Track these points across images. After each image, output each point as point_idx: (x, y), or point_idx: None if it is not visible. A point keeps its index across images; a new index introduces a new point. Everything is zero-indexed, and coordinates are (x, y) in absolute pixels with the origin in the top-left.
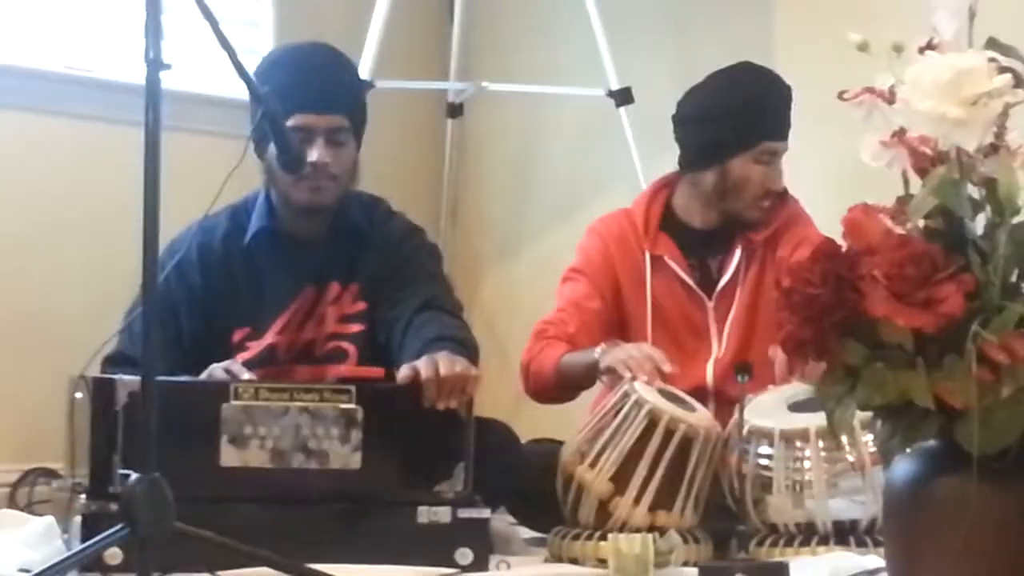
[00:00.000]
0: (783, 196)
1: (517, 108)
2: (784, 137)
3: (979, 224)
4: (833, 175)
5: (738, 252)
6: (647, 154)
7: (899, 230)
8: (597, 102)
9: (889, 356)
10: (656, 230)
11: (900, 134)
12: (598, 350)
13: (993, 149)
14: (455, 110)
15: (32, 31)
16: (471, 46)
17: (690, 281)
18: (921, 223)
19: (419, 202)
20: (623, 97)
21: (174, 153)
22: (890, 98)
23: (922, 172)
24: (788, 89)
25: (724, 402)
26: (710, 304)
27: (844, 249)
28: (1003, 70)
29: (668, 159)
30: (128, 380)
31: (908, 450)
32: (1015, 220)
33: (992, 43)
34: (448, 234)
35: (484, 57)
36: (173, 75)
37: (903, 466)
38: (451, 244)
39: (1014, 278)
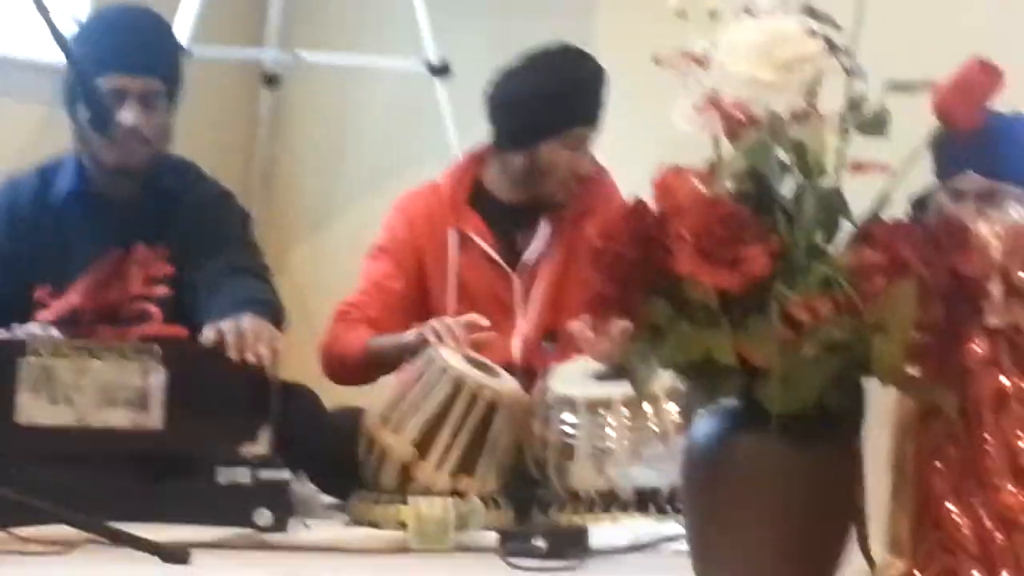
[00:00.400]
0: (598, 173)
1: (335, 77)
2: (594, 121)
3: (787, 188)
4: (652, 153)
5: (544, 227)
6: (463, 128)
7: (709, 193)
8: (415, 75)
9: (694, 315)
10: (464, 205)
11: (713, 98)
12: (410, 335)
13: (804, 114)
14: (271, 80)
15: None
16: (289, 15)
17: (496, 256)
18: (731, 187)
19: (231, 170)
20: (441, 70)
21: None
22: (705, 62)
23: (734, 136)
24: (601, 72)
25: (531, 377)
26: (515, 278)
27: (655, 210)
28: (816, 36)
29: (484, 133)
30: None
31: (709, 409)
32: (822, 184)
33: (807, 9)
34: (260, 203)
35: (303, 25)
36: None
37: (704, 424)
38: (262, 214)
39: (819, 241)
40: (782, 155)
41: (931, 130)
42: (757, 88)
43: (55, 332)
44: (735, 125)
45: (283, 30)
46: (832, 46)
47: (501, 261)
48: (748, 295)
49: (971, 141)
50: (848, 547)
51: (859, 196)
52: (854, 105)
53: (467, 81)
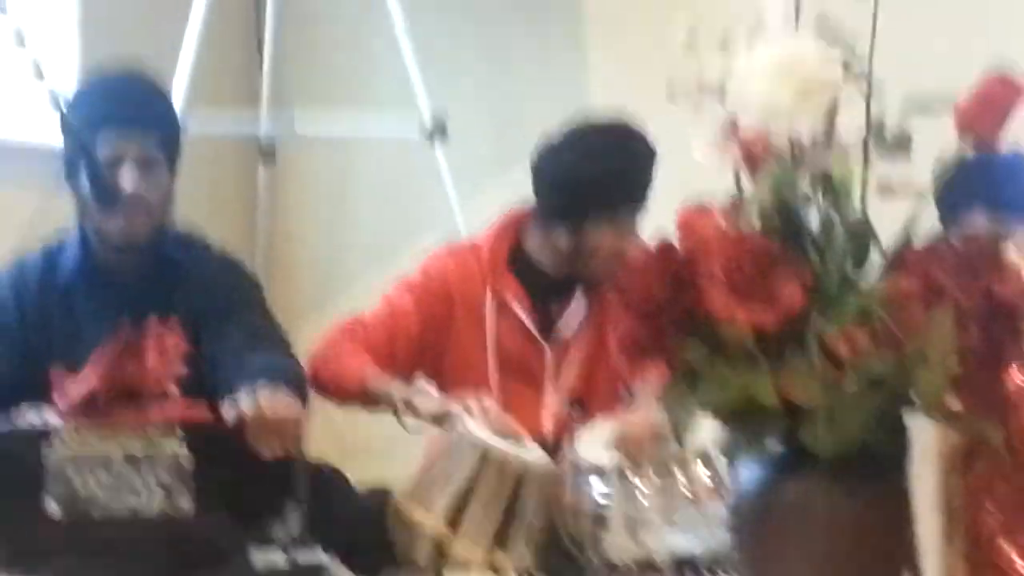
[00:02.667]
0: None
1: (330, 149)
2: (643, 202)
3: (812, 220)
4: (656, 208)
5: (580, 300)
6: (464, 194)
7: (734, 228)
8: (413, 143)
9: (731, 356)
10: (504, 269)
11: (732, 128)
12: (405, 391)
13: (826, 140)
14: (268, 154)
15: None
16: (282, 88)
17: (531, 326)
18: (757, 221)
19: (230, 248)
20: (437, 133)
21: None
22: (720, 91)
23: (754, 169)
24: (653, 153)
25: (562, 450)
26: (548, 350)
27: (680, 249)
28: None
29: (485, 200)
30: None
31: (753, 454)
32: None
33: (822, 21)
34: (262, 281)
35: (298, 85)
36: None
37: (749, 471)
38: (266, 291)
39: (851, 270)
40: (805, 184)
41: (940, 163)
42: (776, 114)
43: (52, 417)
44: (756, 157)
45: (278, 105)
46: (848, 67)
47: (535, 331)
48: (784, 331)
49: (976, 175)
50: None
51: (882, 219)
52: (877, 129)
53: (465, 146)
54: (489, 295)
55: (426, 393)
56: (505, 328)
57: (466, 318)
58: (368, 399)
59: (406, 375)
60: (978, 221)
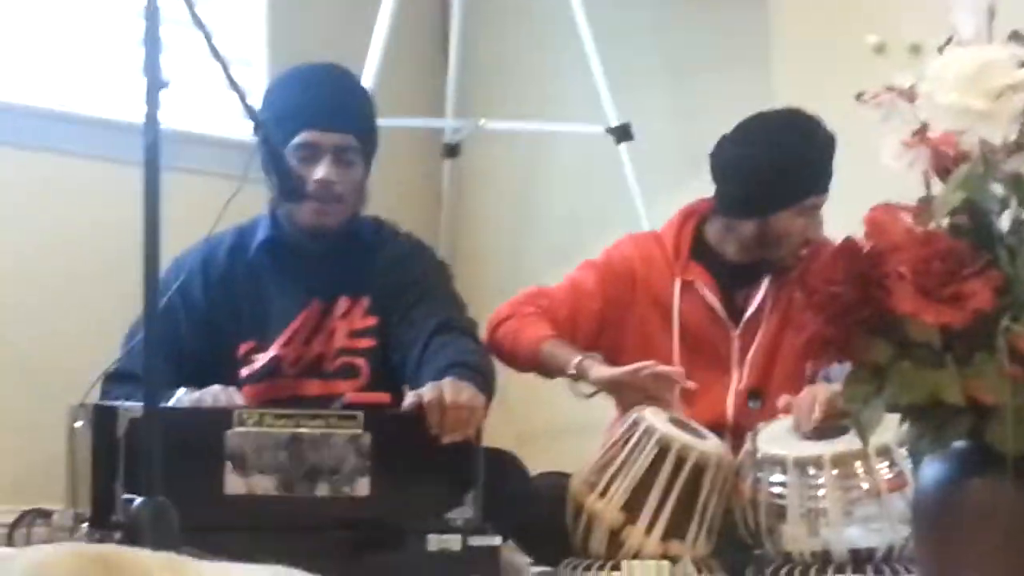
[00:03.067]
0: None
1: (515, 146)
2: (826, 189)
3: (1004, 223)
4: (841, 214)
5: (766, 284)
6: (648, 192)
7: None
8: (596, 140)
9: (917, 354)
10: (687, 257)
11: (922, 132)
12: (575, 361)
13: (1017, 146)
14: (452, 150)
15: (32, 69)
16: (468, 84)
17: (720, 309)
18: (945, 222)
19: None
20: (622, 133)
21: (172, 192)
22: (910, 96)
23: (943, 173)
24: (831, 138)
25: (741, 435)
26: (735, 334)
27: (867, 248)
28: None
29: (669, 197)
30: (129, 407)
31: (938, 452)
32: None
33: (1016, 36)
34: None
35: (481, 95)
36: (169, 115)
37: (933, 469)
38: None
39: None
40: (997, 188)
41: None
42: (968, 118)
43: (237, 395)
44: (945, 161)
45: (462, 101)
46: None
47: (724, 314)
48: (971, 332)
49: None
50: None
51: None
52: None
53: (650, 145)
54: (677, 280)
55: (600, 361)
56: (691, 312)
57: (648, 302)
58: (541, 364)
59: (583, 351)
60: None
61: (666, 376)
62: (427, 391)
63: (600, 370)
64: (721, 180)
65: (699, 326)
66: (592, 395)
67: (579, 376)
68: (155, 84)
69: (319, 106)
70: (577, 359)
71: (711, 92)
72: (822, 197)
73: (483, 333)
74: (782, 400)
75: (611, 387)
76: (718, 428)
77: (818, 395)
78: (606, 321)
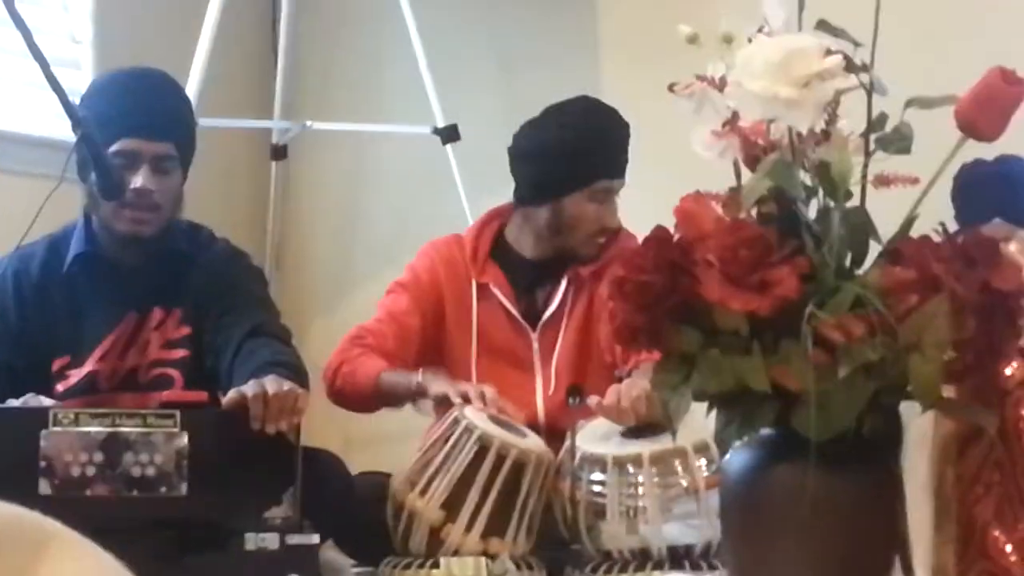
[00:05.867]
0: (617, 230)
1: (343, 148)
2: (620, 174)
3: (811, 212)
4: (664, 206)
5: (564, 284)
6: (475, 193)
7: (731, 217)
8: (424, 141)
9: (725, 342)
10: (485, 258)
11: (732, 122)
12: (418, 376)
13: (825, 136)
14: (279, 151)
15: None
16: (296, 85)
17: (515, 312)
18: (754, 211)
19: (243, 246)
20: (450, 134)
21: None
22: (721, 85)
23: (753, 162)
24: (626, 126)
25: (556, 437)
26: (534, 335)
27: (677, 237)
28: (834, 54)
29: (496, 198)
30: None
31: (745, 439)
32: (847, 204)
33: (823, 25)
34: (273, 279)
35: (310, 97)
36: None
37: (740, 456)
38: (276, 289)
39: (848, 262)
40: (804, 176)
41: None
42: (776, 106)
43: (47, 402)
44: (755, 150)
45: (290, 102)
46: (850, 62)
47: (519, 317)
48: (779, 319)
49: (995, 188)
50: None
51: (883, 214)
52: (877, 123)
53: (478, 145)
54: (474, 283)
55: (435, 376)
56: (490, 315)
57: (454, 308)
58: (384, 394)
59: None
60: (997, 227)
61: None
62: (248, 387)
63: (440, 385)
64: (515, 169)
65: (497, 329)
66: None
67: (421, 395)
68: None
69: (138, 114)
70: (416, 379)
71: (540, 90)
72: (615, 183)
73: (319, 375)
74: (593, 400)
75: (447, 402)
76: (533, 431)
77: (624, 393)
78: (427, 337)
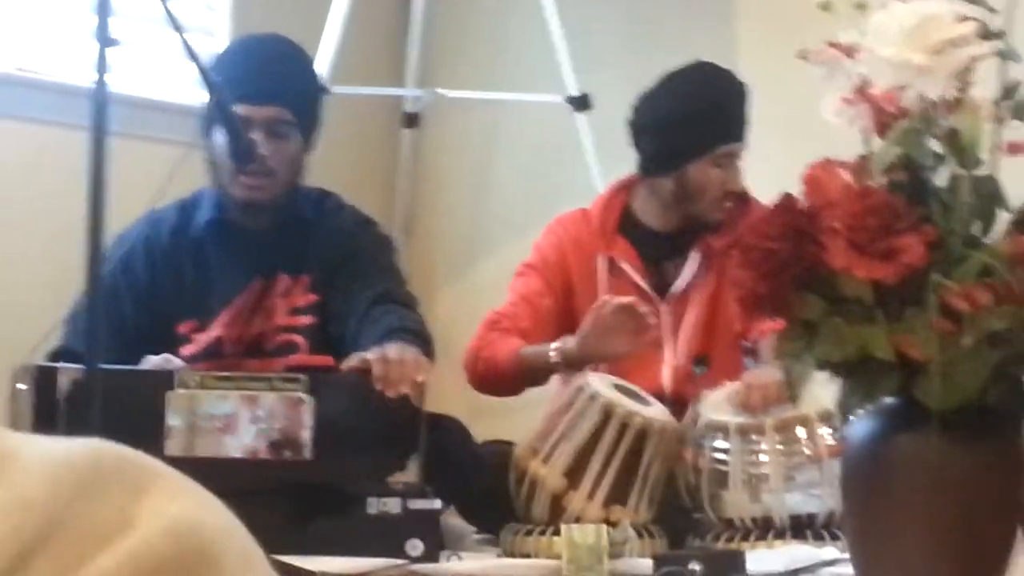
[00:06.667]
0: (746, 201)
1: (474, 117)
2: (741, 138)
3: (941, 178)
4: (794, 179)
5: (695, 257)
6: (606, 163)
7: (859, 184)
8: (556, 110)
9: (848, 310)
10: (613, 232)
11: (863, 89)
12: (553, 347)
13: (957, 103)
14: (411, 119)
15: None
16: (429, 54)
17: (644, 285)
18: (883, 179)
19: (373, 213)
20: (581, 103)
21: (121, 157)
22: (852, 53)
23: (884, 129)
24: (743, 87)
25: (681, 406)
26: (664, 308)
27: (804, 205)
28: (968, 20)
29: (627, 168)
30: (70, 368)
31: (867, 408)
32: (977, 172)
33: None
34: (402, 246)
35: (442, 65)
36: (120, 80)
37: (862, 425)
38: (405, 256)
39: (976, 230)
40: (935, 144)
41: None
42: (908, 73)
43: (178, 362)
44: (886, 117)
45: (423, 71)
46: (985, 29)
47: (649, 290)
48: (904, 287)
49: None
50: (1016, 549)
51: (1014, 183)
52: (1010, 91)
53: (609, 114)
54: (600, 257)
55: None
56: (619, 288)
57: (583, 283)
58: (527, 371)
59: None
60: None
61: (625, 307)
62: (371, 352)
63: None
64: (636, 141)
65: None
66: None
67: (563, 360)
68: (104, 44)
69: (249, 80)
70: (554, 346)
71: (673, 60)
72: (736, 146)
73: (446, 342)
74: (722, 390)
75: (589, 348)
76: (658, 400)
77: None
78: (562, 314)
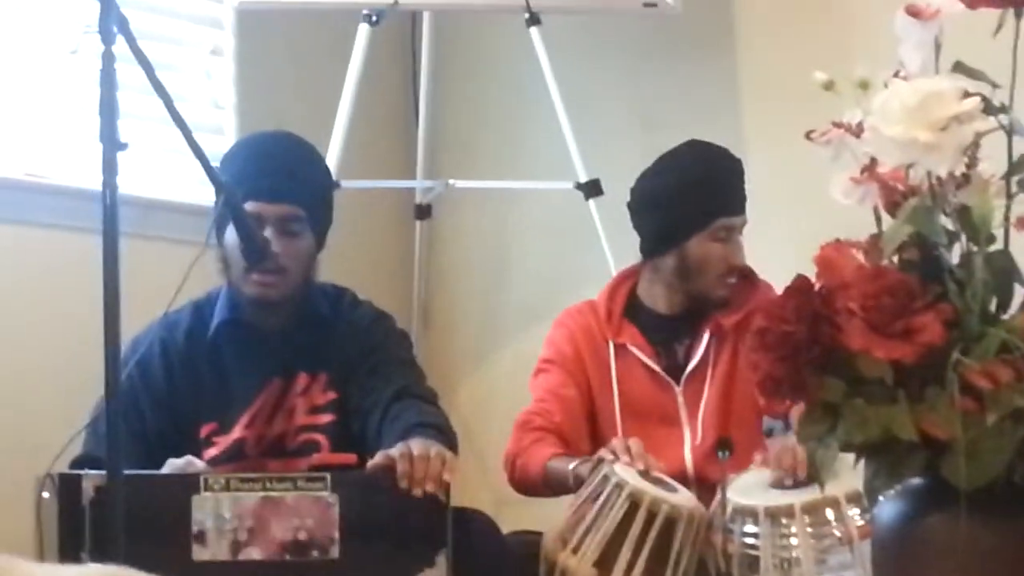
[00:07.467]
0: (753, 280)
1: (486, 206)
2: (739, 211)
3: (954, 256)
4: (801, 258)
5: (706, 336)
6: (619, 247)
7: (872, 264)
8: (567, 197)
9: (869, 391)
10: (620, 318)
11: (871, 168)
12: (571, 468)
13: (965, 179)
14: (423, 211)
15: None
16: (438, 145)
17: (655, 367)
18: (895, 258)
19: (389, 306)
20: (592, 189)
21: (134, 259)
22: (858, 132)
23: (893, 208)
24: (738, 163)
25: (706, 488)
26: (678, 389)
27: (818, 286)
28: (972, 95)
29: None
30: (94, 475)
31: (895, 489)
32: (990, 248)
33: (960, 67)
34: (420, 338)
35: (452, 156)
36: (130, 181)
37: (890, 506)
38: (424, 348)
39: (992, 307)
40: (945, 221)
41: None
42: (915, 151)
43: (201, 464)
44: (895, 195)
45: (433, 161)
46: (989, 104)
47: (662, 372)
48: (923, 366)
49: None
50: None
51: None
52: (1018, 165)
53: (620, 199)
54: (611, 343)
55: (583, 460)
56: (630, 374)
57: (596, 373)
58: (553, 484)
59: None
60: None
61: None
62: (395, 449)
63: (583, 467)
64: (637, 222)
65: (638, 386)
66: None
67: (577, 484)
68: (112, 148)
69: (261, 177)
70: (571, 467)
71: (681, 141)
72: (735, 220)
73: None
74: (758, 458)
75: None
76: (681, 483)
77: (798, 450)
78: (586, 403)
